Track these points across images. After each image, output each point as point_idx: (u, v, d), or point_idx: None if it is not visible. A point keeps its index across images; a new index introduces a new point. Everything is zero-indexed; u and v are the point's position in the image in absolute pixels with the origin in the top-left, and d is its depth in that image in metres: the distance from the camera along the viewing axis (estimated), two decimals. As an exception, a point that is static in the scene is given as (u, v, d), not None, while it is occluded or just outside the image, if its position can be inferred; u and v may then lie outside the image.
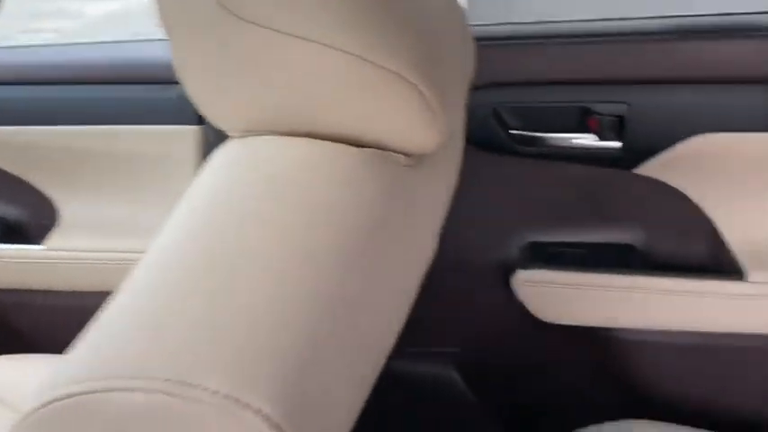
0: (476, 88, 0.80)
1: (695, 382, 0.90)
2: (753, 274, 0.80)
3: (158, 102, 0.93)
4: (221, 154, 0.40)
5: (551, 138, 0.80)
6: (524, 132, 0.81)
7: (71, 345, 0.32)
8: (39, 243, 1.01)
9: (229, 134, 0.42)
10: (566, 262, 0.87)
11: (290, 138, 0.38)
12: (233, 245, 0.32)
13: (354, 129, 0.38)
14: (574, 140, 0.79)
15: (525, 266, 0.87)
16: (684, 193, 0.82)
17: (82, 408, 0.29)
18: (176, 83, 0.44)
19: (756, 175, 0.78)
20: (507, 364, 0.98)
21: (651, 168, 0.80)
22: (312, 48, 0.35)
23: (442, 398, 1.00)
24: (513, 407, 0.97)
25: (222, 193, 0.36)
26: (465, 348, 0.99)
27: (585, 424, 0.81)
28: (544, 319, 0.89)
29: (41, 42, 2.64)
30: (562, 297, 0.87)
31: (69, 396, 0.29)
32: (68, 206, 1.00)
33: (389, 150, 0.39)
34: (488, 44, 0.80)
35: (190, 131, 0.89)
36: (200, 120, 0.90)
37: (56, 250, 0.99)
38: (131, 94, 0.94)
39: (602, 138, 0.78)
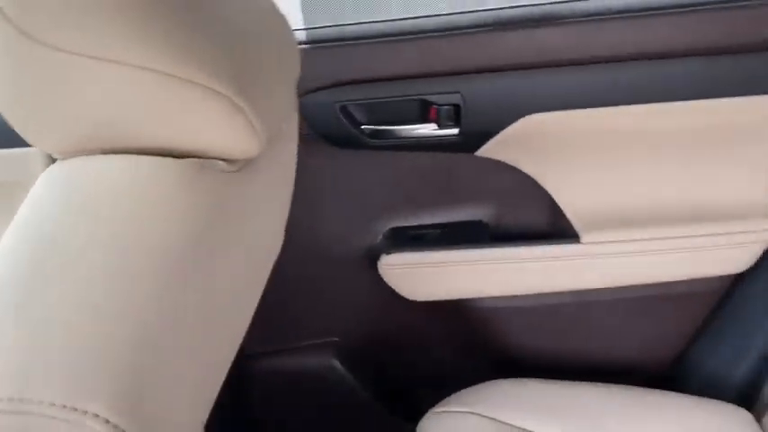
0: (322, 88, 0.85)
1: (549, 338, 1.00)
2: (585, 236, 0.90)
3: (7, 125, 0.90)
4: (42, 177, 0.41)
5: (397, 130, 0.86)
6: (373, 126, 0.86)
7: None
8: None
9: (54, 156, 0.42)
10: (425, 243, 0.93)
11: (109, 156, 0.39)
12: (53, 265, 0.34)
13: (173, 141, 0.39)
14: (417, 130, 0.85)
15: (389, 251, 0.93)
16: (521, 169, 0.90)
17: None
18: None
19: (580, 147, 0.88)
20: (383, 345, 1.03)
21: (489, 150, 0.87)
22: (115, 68, 0.36)
23: (326, 387, 1.05)
24: (393, 385, 1.03)
25: (37, 217, 0.37)
26: (343, 337, 1.04)
27: (460, 389, 0.88)
28: (411, 298, 0.96)
29: None
30: (425, 275, 0.93)
31: None
32: None
33: (210, 158, 0.41)
34: (329, 45, 0.84)
35: (37, 154, 0.87)
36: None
37: None
38: None
39: (441, 126, 0.84)
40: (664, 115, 0.83)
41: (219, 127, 0.39)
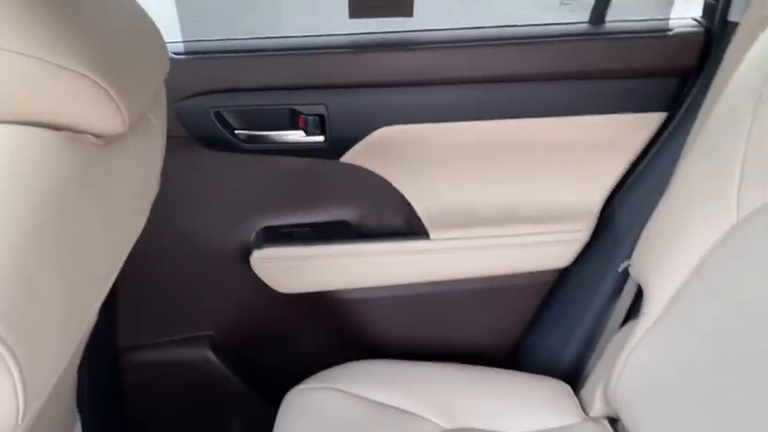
0: (198, 94, 0.93)
1: (406, 326, 1.12)
2: (434, 233, 1.03)
3: None
4: None
5: (269, 135, 0.95)
6: (246, 132, 0.95)
7: None
8: None
9: None
10: (294, 239, 1.03)
11: None
12: None
13: (48, 117, 0.47)
14: (287, 137, 0.95)
15: (260, 246, 1.01)
16: (380, 174, 1.02)
17: None
18: None
19: (429, 156, 1.00)
20: (256, 337, 1.11)
21: (352, 157, 0.98)
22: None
23: (200, 378, 1.11)
24: (265, 374, 1.11)
25: None
26: (217, 330, 1.11)
27: None
28: (282, 291, 1.04)
29: None
30: (294, 270, 1.03)
31: None
32: None
33: (81, 132, 0.49)
34: (205, 57, 0.93)
35: None
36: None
37: None
38: None
39: (308, 134, 0.95)
40: (497, 131, 0.98)
41: (88, 106, 0.47)
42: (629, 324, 0.93)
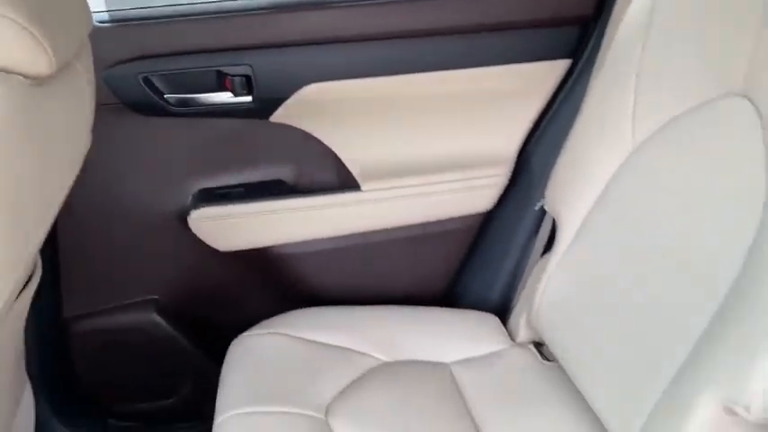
0: (126, 61, 0.95)
1: (345, 275, 1.18)
2: (364, 185, 1.09)
3: None
4: None
5: (197, 98, 0.98)
6: (176, 95, 0.98)
7: None
8: None
9: None
10: (230, 199, 1.07)
11: None
12: None
13: None
14: (215, 98, 0.99)
15: (197, 207, 1.05)
16: (309, 132, 1.06)
17: None
18: None
19: (355, 111, 1.06)
20: (200, 296, 1.15)
21: (280, 116, 1.03)
22: None
23: (148, 341, 1.14)
24: (211, 331, 1.15)
25: None
26: (162, 293, 1.14)
27: None
28: (221, 250, 1.09)
29: None
30: (231, 227, 1.07)
31: None
32: None
33: (13, 73, 0.52)
34: (133, 24, 0.95)
35: None
36: None
37: None
38: None
39: (236, 94, 0.98)
40: (418, 84, 1.04)
41: (14, 47, 0.51)
42: (546, 256, 1.01)
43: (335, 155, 1.08)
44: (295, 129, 1.05)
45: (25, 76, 0.53)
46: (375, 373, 0.94)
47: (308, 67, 0.99)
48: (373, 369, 0.95)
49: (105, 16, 0.96)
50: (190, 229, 1.06)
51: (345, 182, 1.10)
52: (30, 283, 0.71)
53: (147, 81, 0.95)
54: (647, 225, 0.83)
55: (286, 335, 0.97)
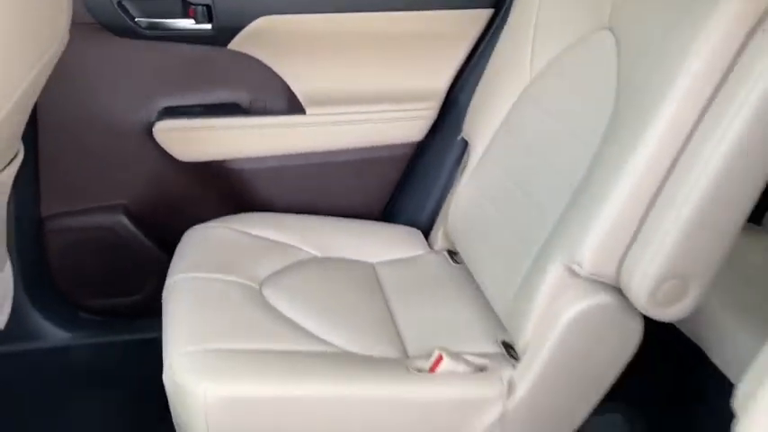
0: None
1: (292, 191, 1.34)
2: (309, 110, 1.25)
3: None
4: None
5: (164, 22, 1.13)
6: (146, 19, 1.13)
7: None
8: None
9: None
10: (192, 114, 1.23)
11: None
12: None
13: None
14: (179, 24, 1.14)
15: (161, 119, 1.20)
16: (262, 60, 1.22)
17: None
18: None
19: (303, 44, 1.21)
20: (163, 203, 1.31)
21: (237, 44, 1.18)
22: None
23: (115, 240, 1.30)
24: (172, 233, 1.31)
25: None
26: (129, 198, 1.30)
27: None
28: (182, 160, 1.25)
29: None
30: (192, 139, 1.23)
31: None
32: None
33: None
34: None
35: None
36: None
37: None
38: None
39: (197, 22, 1.13)
40: (360, 23, 1.20)
41: None
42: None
43: (285, 83, 1.24)
44: (250, 57, 1.21)
45: None
46: (307, 264, 1.11)
47: (263, 1, 1.14)
48: (306, 260, 1.12)
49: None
50: (155, 141, 1.22)
51: (293, 107, 1.26)
52: (14, 161, 0.85)
53: (120, 5, 1.10)
54: (535, 142, 1.01)
55: (234, 229, 1.14)
